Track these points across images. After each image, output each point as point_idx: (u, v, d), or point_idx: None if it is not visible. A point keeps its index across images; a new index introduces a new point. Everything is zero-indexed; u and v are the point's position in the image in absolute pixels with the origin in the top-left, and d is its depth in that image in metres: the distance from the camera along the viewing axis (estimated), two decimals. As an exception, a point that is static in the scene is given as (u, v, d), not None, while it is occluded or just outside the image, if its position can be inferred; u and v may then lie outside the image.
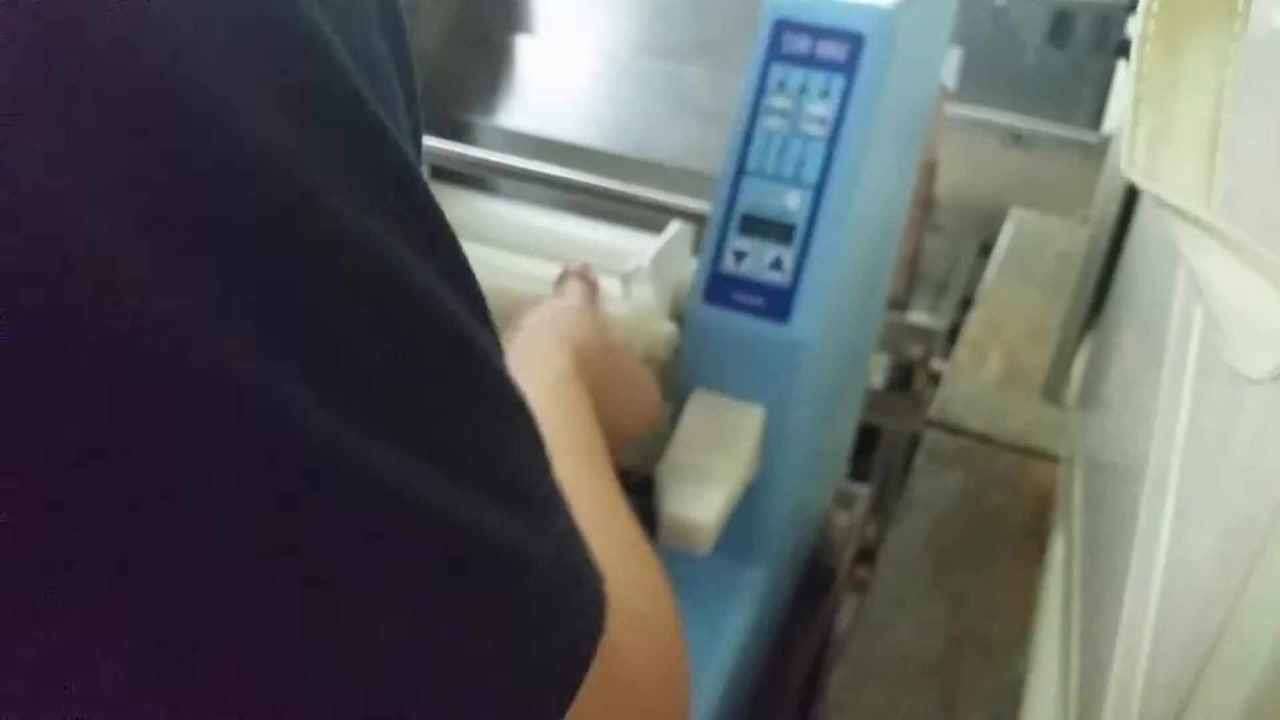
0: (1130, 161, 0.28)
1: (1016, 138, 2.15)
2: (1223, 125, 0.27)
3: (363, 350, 0.20)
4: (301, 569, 0.19)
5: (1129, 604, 0.51)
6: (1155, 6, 0.28)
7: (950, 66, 2.20)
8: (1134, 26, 0.30)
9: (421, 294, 0.21)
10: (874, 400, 1.70)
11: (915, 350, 1.66)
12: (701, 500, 0.58)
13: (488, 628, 0.22)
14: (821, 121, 0.58)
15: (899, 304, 1.68)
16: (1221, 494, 0.43)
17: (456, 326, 0.23)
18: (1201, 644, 0.38)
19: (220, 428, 0.18)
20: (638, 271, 0.68)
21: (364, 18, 0.22)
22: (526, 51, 0.90)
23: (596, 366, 0.53)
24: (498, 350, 0.25)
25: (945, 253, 1.87)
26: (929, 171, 1.60)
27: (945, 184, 1.84)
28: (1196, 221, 0.26)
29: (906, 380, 1.70)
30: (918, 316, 1.67)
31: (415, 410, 0.21)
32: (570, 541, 0.27)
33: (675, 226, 0.70)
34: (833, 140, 0.58)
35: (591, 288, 0.64)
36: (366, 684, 0.20)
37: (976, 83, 2.10)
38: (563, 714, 0.24)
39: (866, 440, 1.58)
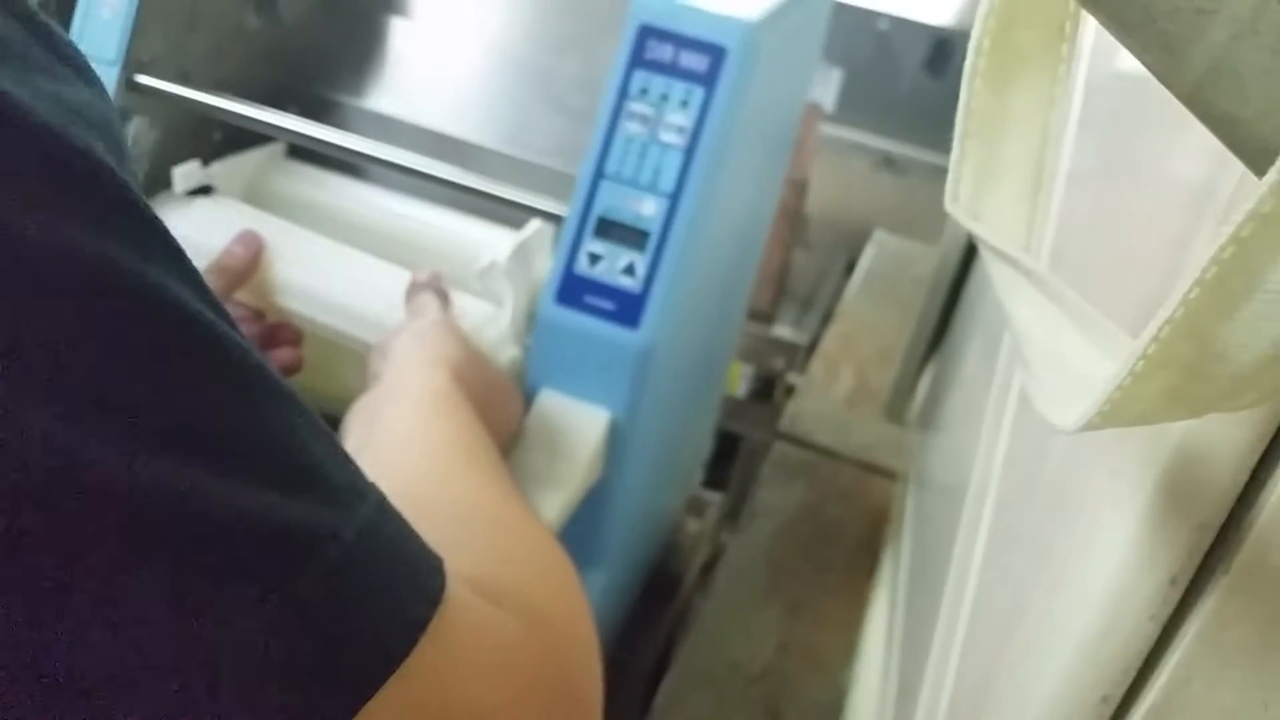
0: (954, 198, 0.28)
1: (888, 162, 2.21)
2: (1046, 167, 0.28)
3: (100, 358, 0.20)
4: (52, 578, 0.20)
5: (941, 624, 0.53)
6: (986, 44, 0.29)
7: (829, 88, 2.25)
8: (966, 60, 0.30)
9: (154, 294, 0.22)
10: (735, 409, 1.72)
11: (777, 362, 1.69)
12: (542, 503, 0.57)
13: (277, 609, 0.22)
14: (680, 131, 0.58)
15: (764, 317, 1.71)
16: (1031, 520, 0.45)
17: (200, 322, 0.23)
18: (999, 670, 0.39)
19: None
20: (492, 267, 0.67)
21: (61, 76, 0.23)
22: (399, 34, 0.88)
23: (471, 378, 0.54)
24: (247, 344, 0.24)
25: (812, 269, 1.91)
26: (799, 189, 1.63)
27: (816, 202, 1.88)
28: (1016, 265, 0.27)
29: (768, 391, 1.73)
30: (781, 330, 1.70)
31: (164, 408, 0.21)
32: (383, 520, 0.26)
33: (534, 225, 0.69)
34: (690, 151, 0.58)
35: (443, 298, 0.63)
36: (131, 680, 0.21)
37: (853, 105, 2.15)
38: (377, 685, 0.24)
39: (726, 448, 1.61)
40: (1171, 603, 0.29)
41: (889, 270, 1.37)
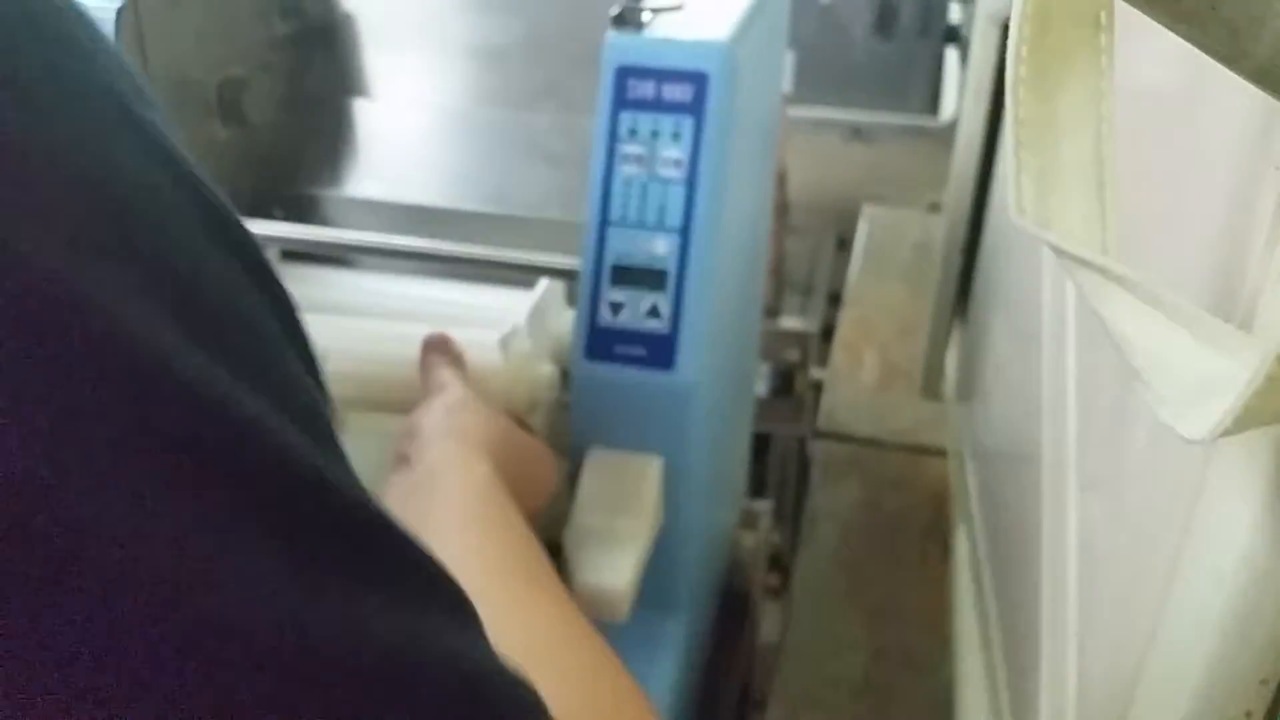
0: (1020, 210, 0.27)
1: (857, 131, 2.20)
2: (1106, 161, 0.27)
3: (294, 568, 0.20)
4: None
5: (1046, 608, 0.51)
6: (1025, 51, 0.28)
7: (786, 71, 2.24)
8: (1007, 71, 0.29)
9: (339, 489, 0.21)
10: (760, 409, 1.70)
11: (792, 354, 1.68)
12: (614, 567, 0.56)
13: None
14: (678, 164, 0.57)
15: (770, 311, 1.69)
16: (1130, 495, 0.44)
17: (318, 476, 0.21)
18: (1132, 640, 0.38)
19: None
20: (515, 332, 0.66)
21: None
22: (366, 115, 0.87)
23: (505, 455, 0.52)
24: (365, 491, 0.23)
25: (805, 253, 1.90)
26: (780, 179, 1.62)
27: (794, 185, 1.87)
28: (1101, 270, 0.26)
29: (788, 385, 1.72)
30: (790, 321, 1.69)
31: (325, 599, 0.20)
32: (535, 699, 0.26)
33: (544, 283, 0.69)
34: (691, 181, 0.57)
35: (459, 363, 0.62)
36: None
37: (811, 82, 2.15)
38: None
39: (758, 449, 1.60)
40: (1320, 568, 0.28)
41: (886, 244, 1.36)
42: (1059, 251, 0.25)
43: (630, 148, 0.58)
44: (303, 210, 0.80)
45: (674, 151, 0.58)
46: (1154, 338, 0.23)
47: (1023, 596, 0.58)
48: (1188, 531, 0.33)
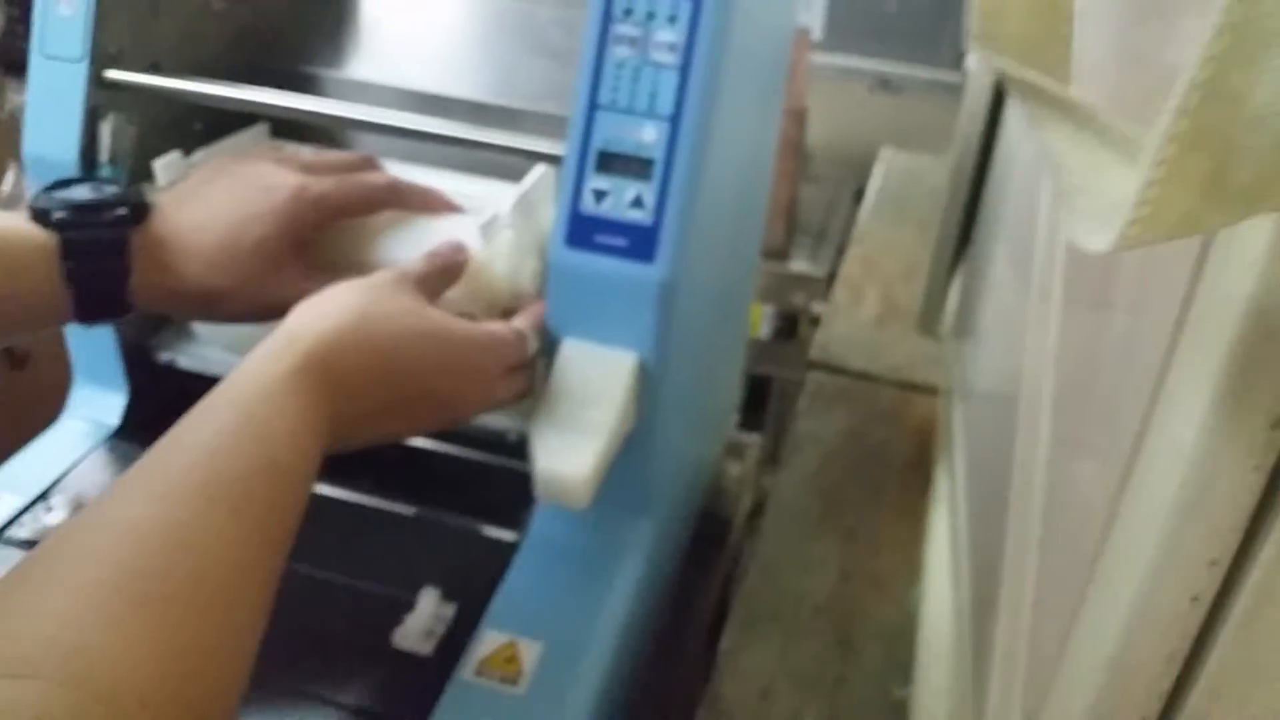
0: (978, 35, 0.26)
1: (884, 83, 2.16)
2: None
3: None
4: None
5: (1012, 526, 0.50)
6: None
7: (815, 14, 2.20)
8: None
9: None
10: (762, 351, 1.69)
11: (797, 298, 1.66)
12: (575, 453, 0.55)
13: None
14: (672, 48, 0.55)
15: (779, 254, 1.68)
16: (1093, 413, 0.43)
17: None
18: (1083, 562, 0.37)
19: None
20: (495, 220, 0.64)
21: None
22: None
23: (362, 360, 0.48)
24: None
25: (822, 200, 1.88)
26: (798, 120, 1.59)
27: (817, 133, 1.84)
28: (1044, 94, 0.24)
29: (792, 328, 1.71)
30: (798, 265, 1.68)
31: None
32: None
33: (538, 171, 0.67)
34: (685, 68, 0.55)
35: (439, 275, 0.58)
36: None
37: (842, 31, 2.11)
38: None
39: (759, 391, 1.59)
40: (1275, 448, 0.26)
41: (901, 187, 1.33)
42: (1007, 77, 0.23)
43: (624, 28, 0.56)
44: (296, 89, 0.78)
45: (669, 35, 0.55)
46: (1086, 160, 0.21)
47: (992, 524, 0.56)
48: (1149, 418, 0.32)
